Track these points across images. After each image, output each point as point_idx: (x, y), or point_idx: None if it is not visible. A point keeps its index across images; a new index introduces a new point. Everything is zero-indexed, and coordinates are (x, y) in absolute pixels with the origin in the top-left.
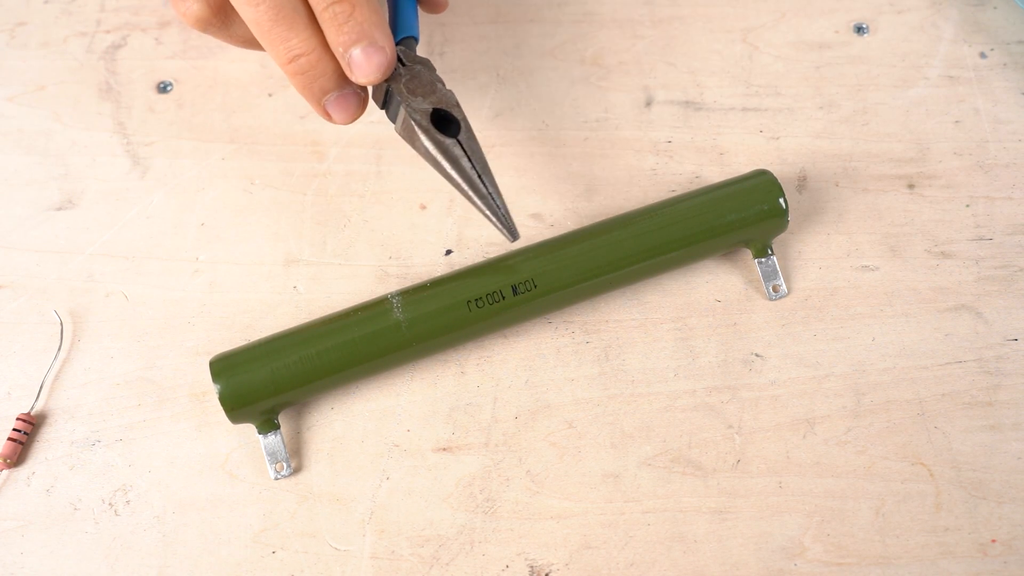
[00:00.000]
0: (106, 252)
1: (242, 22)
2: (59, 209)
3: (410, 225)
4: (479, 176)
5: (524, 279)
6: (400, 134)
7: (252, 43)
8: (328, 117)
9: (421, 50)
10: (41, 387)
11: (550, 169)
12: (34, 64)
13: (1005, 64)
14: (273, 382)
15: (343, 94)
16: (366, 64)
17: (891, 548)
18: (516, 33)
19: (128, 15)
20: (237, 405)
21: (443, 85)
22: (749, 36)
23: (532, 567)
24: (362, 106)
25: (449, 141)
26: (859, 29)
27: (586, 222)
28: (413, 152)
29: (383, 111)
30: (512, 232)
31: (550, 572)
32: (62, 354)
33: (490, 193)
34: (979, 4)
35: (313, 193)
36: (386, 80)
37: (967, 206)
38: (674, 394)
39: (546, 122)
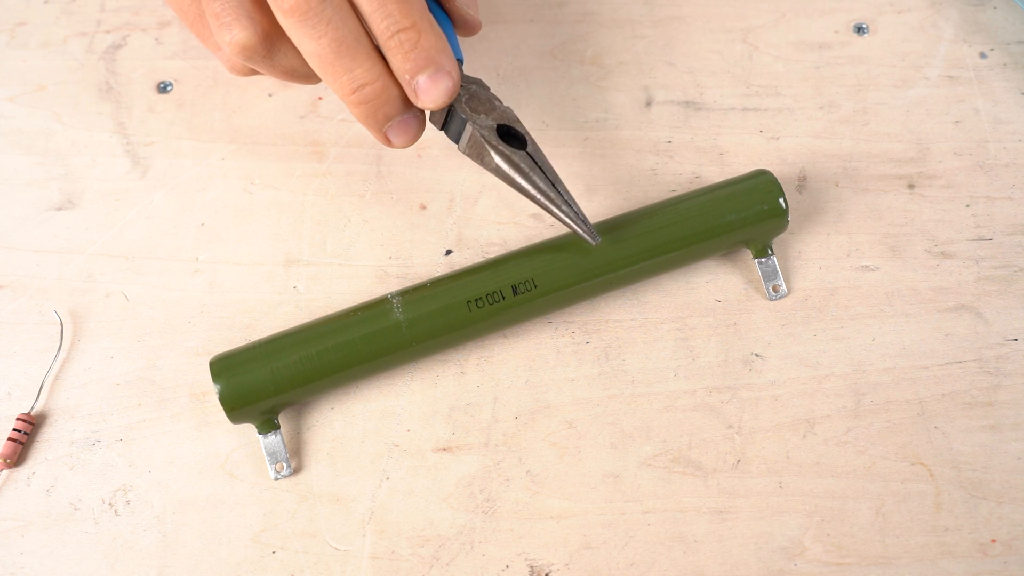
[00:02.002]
0: (106, 252)
1: (288, 52)
2: (59, 209)
3: (410, 225)
4: (554, 186)
5: (524, 279)
6: (466, 152)
7: (294, 75)
8: (388, 143)
9: None
10: (41, 387)
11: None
12: (34, 64)
13: (1005, 64)
14: (273, 382)
15: (404, 119)
16: (434, 89)
17: (891, 548)
18: (516, 33)
19: (128, 15)
20: (237, 405)
21: (500, 102)
22: (749, 36)
23: (532, 567)
24: (422, 128)
25: (520, 154)
26: (859, 29)
27: None
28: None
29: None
30: (593, 236)
31: (550, 572)
32: (62, 354)
33: (567, 201)
34: (979, 4)
35: (313, 193)
36: None
37: (967, 206)
38: (674, 394)
39: (546, 122)
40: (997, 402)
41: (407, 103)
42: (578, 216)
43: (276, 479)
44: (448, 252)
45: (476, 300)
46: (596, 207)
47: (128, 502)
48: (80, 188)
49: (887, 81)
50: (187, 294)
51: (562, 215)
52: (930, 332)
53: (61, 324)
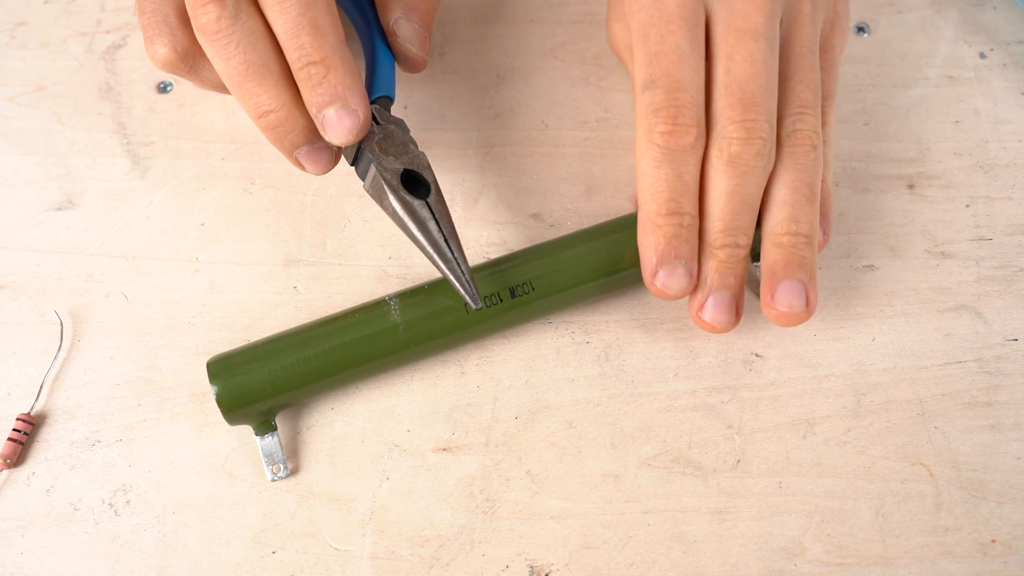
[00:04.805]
0: (106, 252)
1: (211, 69)
2: (59, 209)
3: None
4: (445, 240)
5: (522, 282)
6: (369, 192)
7: (222, 87)
8: (301, 167)
9: None
10: (41, 387)
11: (550, 169)
12: (34, 64)
13: (1005, 64)
14: (270, 384)
15: (315, 148)
16: (338, 126)
17: (891, 548)
18: (516, 33)
19: (128, 15)
20: (234, 407)
21: (415, 146)
22: None
23: (532, 567)
24: (334, 159)
25: (417, 203)
26: (859, 29)
27: (586, 222)
28: None
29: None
30: (474, 300)
31: (550, 572)
32: (62, 354)
33: (455, 258)
34: (979, 4)
35: (313, 193)
36: None
37: (967, 206)
38: (674, 394)
39: (546, 122)
40: (997, 402)
41: (315, 133)
42: (463, 276)
43: (273, 480)
44: None
45: None
46: (596, 207)
47: (128, 502)
48: (80, 188)
49: (887, 81)
50: (187, 294)
51: (447, 271)
52: (930, 332)
53: (61, 324)
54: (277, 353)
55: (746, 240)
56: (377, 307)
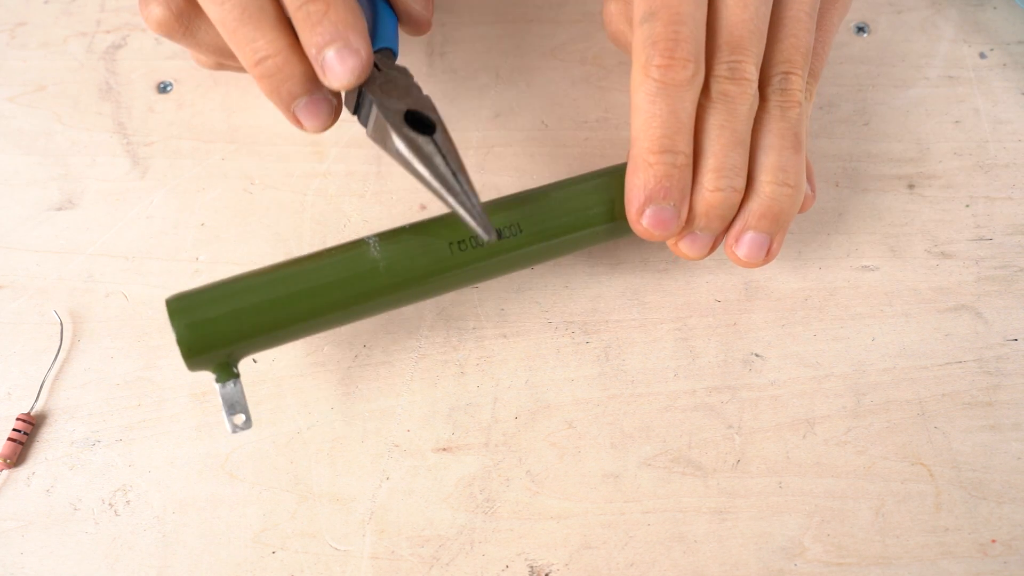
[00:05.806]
0: (106, 252)
1: (208, 28)
2: (59, 209)
3: None
4: (453, 174)
5: (510, 223)
6: (372, 137)
7: (220, 52)
8: (299, 124)
9: (421, 50)
10: (41, 387)
11: (550, 169)
12: (34, 64)
13: (1005, 64)
14: (237, 326)
15: (313, 99)
16: (339, 67)
17: (891, 548)
18: (516, 33)
19: (128, 15)
20: (198, 351)
21: (420, 91)
22: None
23: (532, 567)
24: (335, 113)
25: (422, 139)
26: (859, 29)
27: None
28: None
29: (355, 116)
30: (487, 231)
31: (550, 572)
32: (62, 354)
33: (464, 190)
34: (979, 4)
35: (313, 193)
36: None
37: (967, 206)
38: (674, 394)
39: (546, 122)
40: (997, 402)
41: (314, 82)
42: (474, 208)
43: (235, 432)
44: None
45: (459, 242)
46: None
47: (128, 502)
48: (80, 188)
49: (887, 81)
50: None
51: (456, 204)
52: (930, 332)
53: (61, 324)
54: (244, 292)
55: (741, 183)
56: (356, 247)
